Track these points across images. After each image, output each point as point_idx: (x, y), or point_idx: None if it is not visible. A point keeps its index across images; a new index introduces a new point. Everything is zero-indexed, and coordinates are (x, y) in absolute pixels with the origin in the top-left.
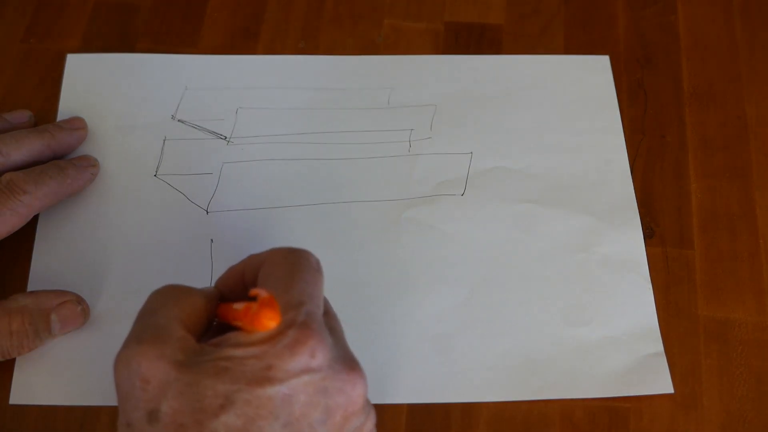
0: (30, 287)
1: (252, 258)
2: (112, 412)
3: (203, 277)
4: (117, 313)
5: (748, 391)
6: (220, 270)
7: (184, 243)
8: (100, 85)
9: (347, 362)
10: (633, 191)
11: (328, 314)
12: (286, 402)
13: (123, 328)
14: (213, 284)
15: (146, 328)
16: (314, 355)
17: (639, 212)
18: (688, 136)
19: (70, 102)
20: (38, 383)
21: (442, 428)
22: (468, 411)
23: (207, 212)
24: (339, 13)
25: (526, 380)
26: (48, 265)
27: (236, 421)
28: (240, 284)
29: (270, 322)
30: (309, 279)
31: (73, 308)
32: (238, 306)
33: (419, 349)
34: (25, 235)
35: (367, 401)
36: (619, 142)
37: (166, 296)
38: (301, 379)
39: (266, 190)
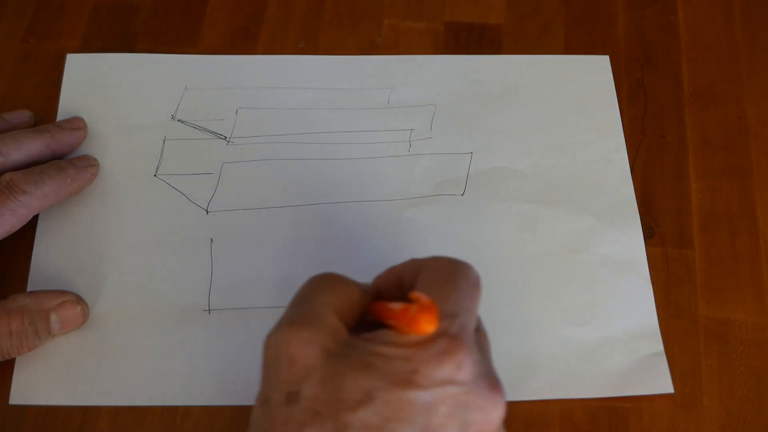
0: (30, 287)
1: (413, 262)
2: (112, 412)
3: (203, 277)
4: (117, 313)
5: (748, 391)
6: (220, 269)
7: (184, 243)
8: (100, 85)
9: (491, 381)
10: (633, 191)
11: (479, 331)
12: (426, 409)
13: (123, 328)
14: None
15: (300, 312)
16: (461, 368)
17: (639, 212)
18: (688, 136)
19: (70, 102)
20: (38, 383)
21: None
22: None
23: (207, 212)
24: (339, 13)
25: (526, 380)
26: (48, 265)
27: (373, 419)
28: (397, 286)
29: (428, 326)
30: (467, 291)
31: (72, 308)
32: (395, 306)
33: None
34: (25, 235)
35: (502, 424)
36: (619, 142)
37: (323, 283)
38: (444, 389)
39: (266, 190)
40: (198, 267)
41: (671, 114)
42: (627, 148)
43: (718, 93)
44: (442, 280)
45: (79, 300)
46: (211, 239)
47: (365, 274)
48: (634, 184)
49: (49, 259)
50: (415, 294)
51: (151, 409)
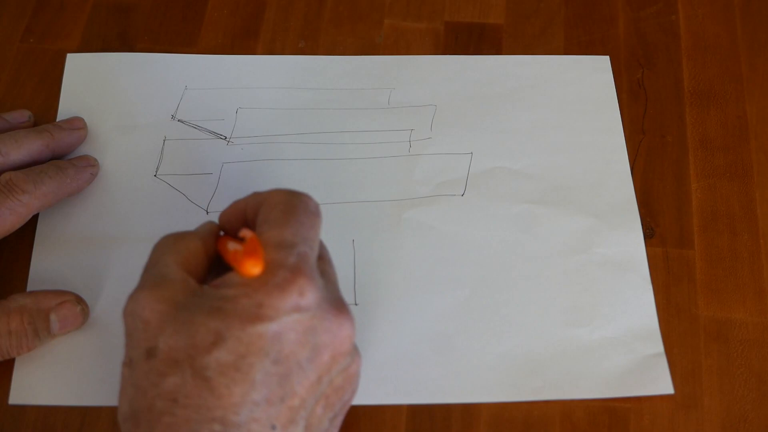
0: (30, 287)
1: (254, 196)
2: (112, 412)
3: None
4: (117, 313)
5: (748, 391)
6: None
7: None
8: (100, 85)
9: (336, 304)
10: (633, 191)
11: (323, 258)
12: (276, 339)
13: (122, 328)
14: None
15: (149, 276)
16: (303, 295)
17: (639, 212)
18: (688, 136)
19: (69, 102)
20: (38, 383)
21: (442, 429)
22: (468, 411)
23: (207, 212)
24: (339, 13)
25: (526, 380)
26: (48, 265)
27: (227, 357)
28: (242, 220)
29: (253, 269)
30: (305, 221)
31: (72, 308)
32: (231, 246)
33: (419, 349)
34: (25, 235)
35: (354, 345)
36: (619, 142)
37: (164, 245)
38: (290, 317)
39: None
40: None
41: (671, 114)
42: (627, 148)
43: (718, 93)
44: (281, 212)
45: (79, 300)
46: None
47: (365, 274)
48: (634, 184)
49: (49, 259)
50: (243, 232)
51: None
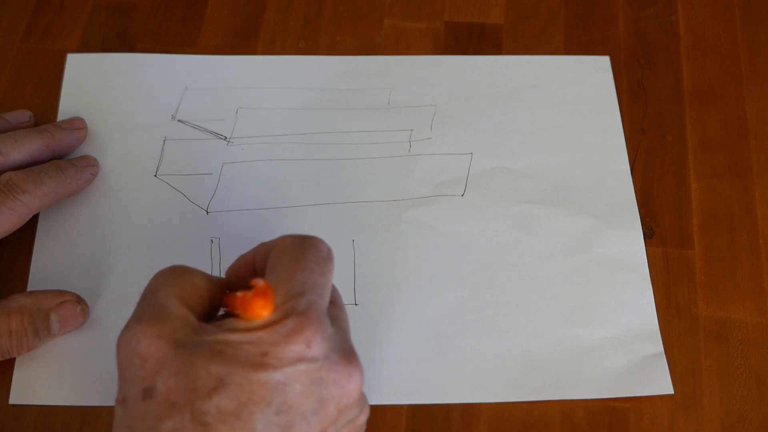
0: (30, 287)
1: (262, 246)
2: (111, 412)
3: None
4: (117, 313)
5: (748, 391)
6: (221, 269)
7: (184, 243)
8: (100, 85)
9: (345, 354)
10: (633, 191)
11: (334, 304)
12: (280, 389)
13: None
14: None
15: (147, 307)
16: (310, 345)
17: (639, 212)
18: (688, 136)
19: (70, 102)
20: (38, 383)
21: (442, 429)
22: (468, 411)
23: (207, 212)
24: (339, 13)
25: (526, 381)
26: (48, 264)
27: (228, 404)
28: (250, 273)
29: (262, 310)
30: (315, 268)
31: (72, 308)
32: (238, 294)
33: (419, 349)
34: (25, 235)
35: (362, 395)
36: (619, 142)
37: (167, 276)
38: (296, 367)
39: (266, 190)
40: (198, 267)
41: (671, 114)
42: (627, 148)
43: (718, 93)
44: (290, 259)
45: (79, 300)
46: (211, 239)
47: (365, 274)
48: (634, 184)
49: (49, 259)
50: (253, 280)
51: None
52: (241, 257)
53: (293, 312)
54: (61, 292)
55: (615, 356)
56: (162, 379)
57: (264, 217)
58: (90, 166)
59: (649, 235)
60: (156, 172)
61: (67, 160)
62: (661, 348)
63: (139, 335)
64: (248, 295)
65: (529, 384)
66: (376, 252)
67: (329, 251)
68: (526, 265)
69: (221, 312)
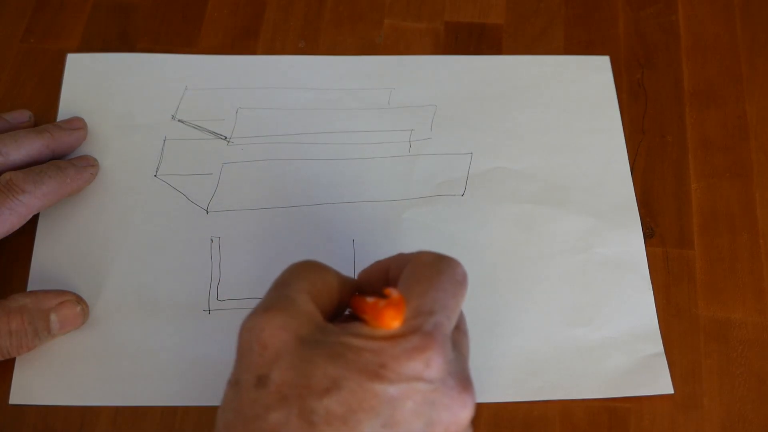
0: (30, 287)
1: (399, 256)
2: (112, 412)
3: (203, 277)
4: (117, 313)
5: (748, 391)
6: (220, 270)
7: (184, 243)
8: (100, 85)
9: (461, 381)
10: (633, 191)
11: (459, 329)
12: (391, 403)
13: (123, 328)
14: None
15: (276, 298)
16: (429, 366)
17: (639, 212)
18: (688, 136)
19: (70, 102)
20: (38, 383)
21: None
22: None
23: (207, 212)
24: (339, 13)
25: (526, 380)
26: (48, 264)
27: (338, 408)
28: (383, 280)
29: (392, 321)
30: (448, 289)
31: (72, 308)
32: (369, 299)
33: None
34: (26, 235)
35: (470, 425)
36: (619, 142)
37: (301, 270)
38: (411, 385)
39: (266, 190)
40: (198, 267)
41: (671, 114)
42: (627, 148)
43: (718, 93)
44: (425, 276)
45: (79, 300)
46: (211, 239)
47: None
48: (634, 184)
49: (49, 259)
50: (388, 289)
51: (151, 409)
52: (376, 263)
53: (419, 329)
54: (61, 292)
55: (615, 356)
56: (278, 370)
57: (264, 217)
58: (90, 166)
59: (649, 235)
60: (156, 172)
61: (67, 160)
62: (661, 348)
63: (263, 323)
64: (380, 303)
65: (529, 384)
66: (376, 252)
67: (464, 275)
68: (526, 265)
69: (347, 312)
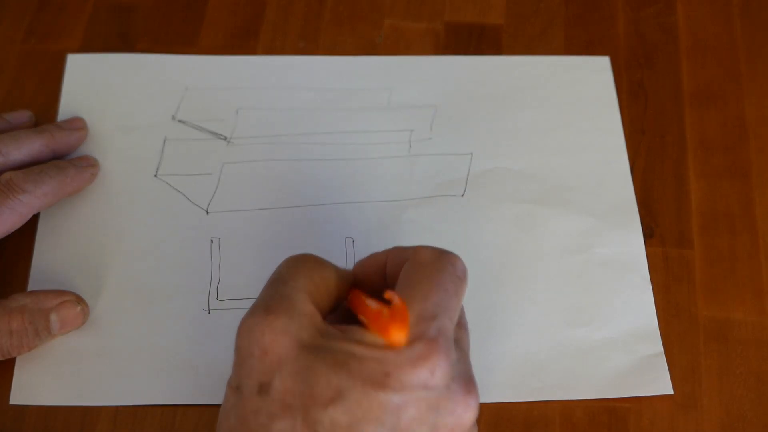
0: (30, 287)
1: (397, 250)
2: (112, 412)
3: (203, 277)
4: (117, 313)
5: (748, 391)
6: (221, 269)
7: (184, 243)
8: (100, 85)
9: (465, 382)
10: (633, 191)
11: (459, 324)
12: (396, 412)
13: (123, 328)
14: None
15: (275, 297)
16: (434, 373)
17: (639, 212)
18: (688, 136)
19: (70, 102)
20: (38, 383)
21: None
22: None
23: (207, 212)
24: (339, 13)
25: (526, 381)
26: (48, 264)
27: (342, 418)
28: (380, 274)
29: (398, 336)
30: (450, 288)
31: (72, 308)
32: (371, 304)
33: None
34: (26, 235)
35: (474, 424)
36: (619, 142)
37: (299, 265)
38: (415, 393)
39: (266, 190)
40: (198, 267)
41: (671, 114)
42: (627, 148)
43: (718, 93)
44: (426, 276)
45: (79, 300)
46: (211, 239)
47: None
48: (634, 184)
49: (49, 259)
50: (390, 294)
51: (151, 409)
52: (373, 256)
53: (423, 337)
54: (61, 292)
55: (615, 356)
56: (280, 377)
57: (264, 217)
58: (90, 166)
59: (649, 235)
60: (156, 172)
61: (67, 160)
62: (660, 348)
63: (264, 326)
64: (384, 312)
65: (529, 384)
66: None
67: (465, 271)
68: (526, 265)
69: (344, 303)
